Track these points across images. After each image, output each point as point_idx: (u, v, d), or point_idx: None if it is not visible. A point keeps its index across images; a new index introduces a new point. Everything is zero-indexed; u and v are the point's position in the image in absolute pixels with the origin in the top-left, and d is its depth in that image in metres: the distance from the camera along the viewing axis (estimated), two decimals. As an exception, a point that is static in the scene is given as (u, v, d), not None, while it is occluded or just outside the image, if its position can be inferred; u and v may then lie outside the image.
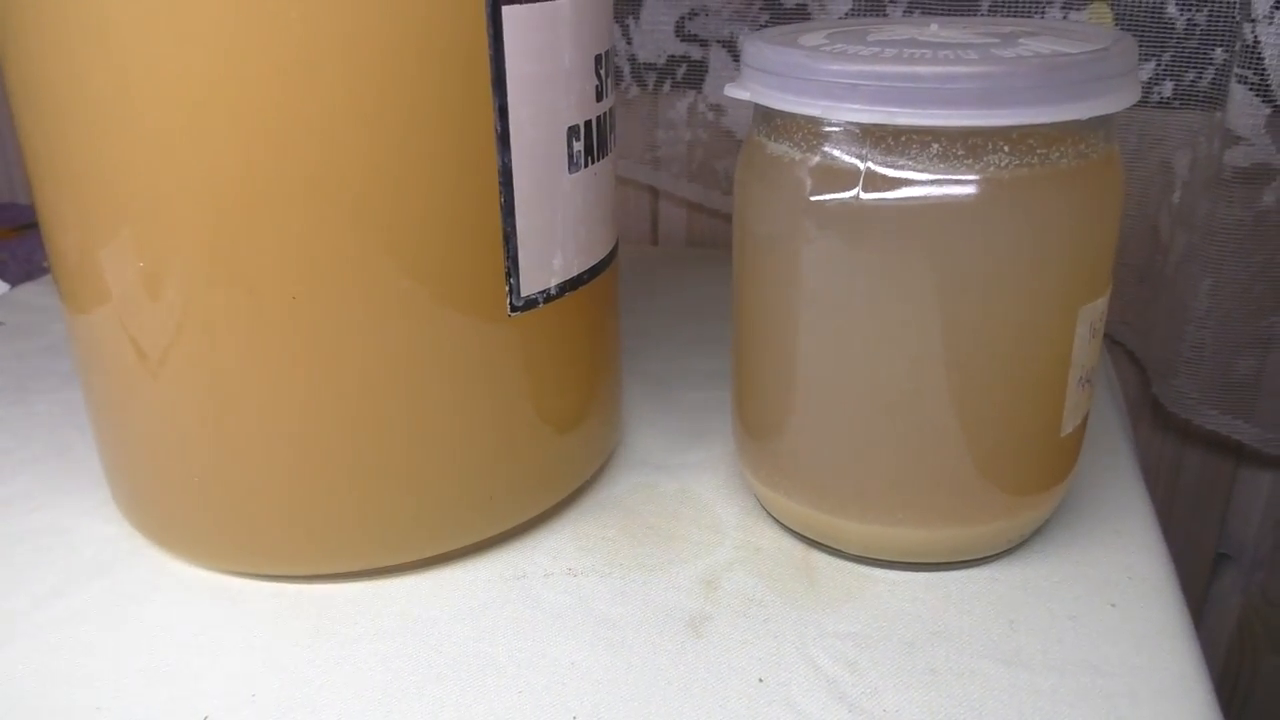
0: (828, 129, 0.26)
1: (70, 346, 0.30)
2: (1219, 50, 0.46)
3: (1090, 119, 0.25)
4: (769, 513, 0.32)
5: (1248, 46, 0.44)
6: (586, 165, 0.29)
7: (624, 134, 0.56)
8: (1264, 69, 0.44)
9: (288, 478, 0.28)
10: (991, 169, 0.25)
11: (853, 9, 0.50)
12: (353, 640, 0.27)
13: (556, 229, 0.28)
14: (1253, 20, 0.43)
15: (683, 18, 0.53)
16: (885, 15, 0.50)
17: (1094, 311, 0.27)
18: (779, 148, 0.27)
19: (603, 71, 0.29)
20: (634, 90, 0.55)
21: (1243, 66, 0.44)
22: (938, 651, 0.26)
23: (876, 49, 0.26)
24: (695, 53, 0.53)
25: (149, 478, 0.29)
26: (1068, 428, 0.28)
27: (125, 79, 0.24)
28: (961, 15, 0.49)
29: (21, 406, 0.40)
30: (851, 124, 0.25)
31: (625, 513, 0.33)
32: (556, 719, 0.25)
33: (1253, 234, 0.47)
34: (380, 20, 0.24)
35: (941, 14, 0.49)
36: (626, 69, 0.54)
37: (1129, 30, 0.46)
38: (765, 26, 0.51)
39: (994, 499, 0.28)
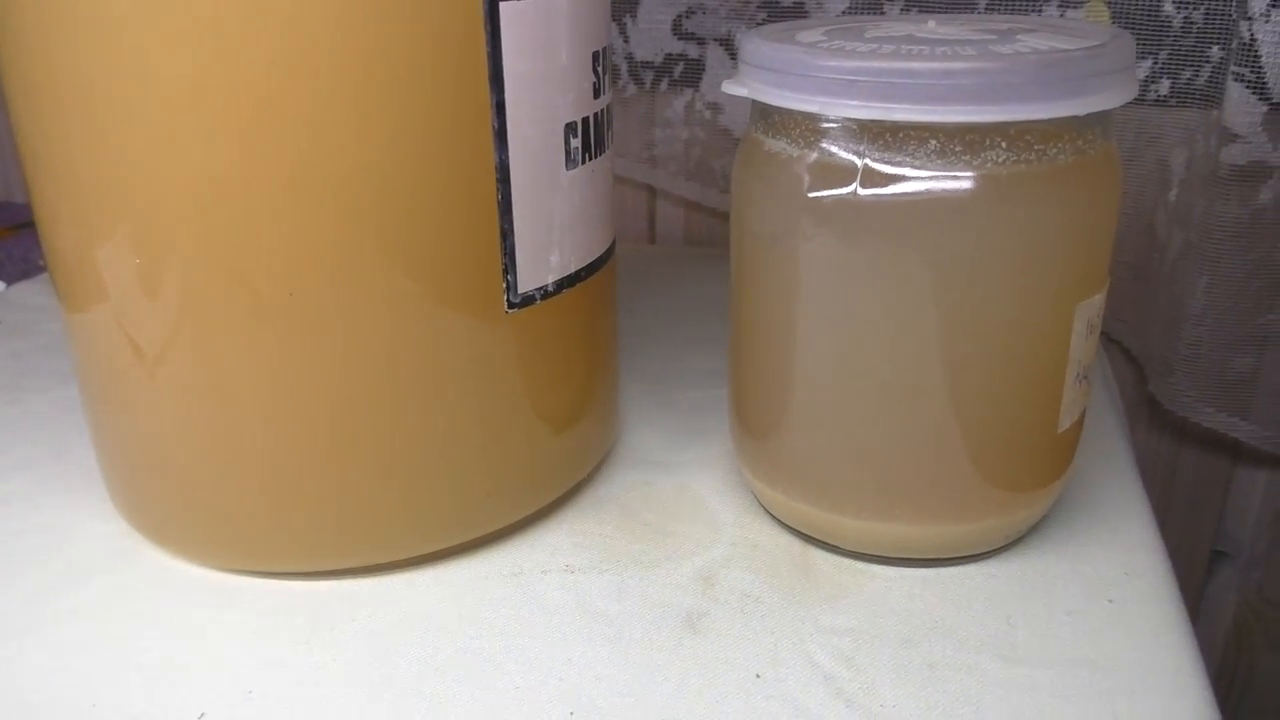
0: (825, 125, 0.26)
1: (67, 345, 0.30)
2: (1216, 48, 0.46)
3: (1087, 115, 0.25)
4: (766, 509, 0.32)
5: (1244, 44, 0.44)
6: (584, 162, 0.29)
7: (621, 132, 0.56)
8: (1260, 67, 0.44)
9: (284, 475, 0.28)
10: (989, 165, 0.25)
11: (850, 6, 0.50)
12: (350, 637, 0.27)
13: (554, 226, 0.28)
14: (1249, 18, 0.44)
15: (680, 16, 0.53)
16: (883, 12, 0.50)
17: (1091, 308, 0.27)
18: (776, 144, 0.27)
19: (600, 68, 0.29)
20: (631, 89, 0.55)
21: (1239, 64, 0.44)
22: (935, 647, 0.26)
23: (874, 45, 0.26)
24: (692, 51, 0.53)
25: (145, 476, 0.29)
26: (1064, 424, 0.28)
27: (121, 77, 0.24)
28: (959, 12, 0.49)
29: (18, 405, 0.40)
30: (849, 120, 0.25)
31: (622, 510, 0.33)
32: (553, 715, 0.25)
33: (1249, 231, 0.47)
34: (378, 17, 0.24)
35: (939, 11, 0.49)
36: (624, 67, 0.54)
37: (1126, 27, 0.46)
38: (763, 24, 0.51)
39: (991, 495, 0.28)
